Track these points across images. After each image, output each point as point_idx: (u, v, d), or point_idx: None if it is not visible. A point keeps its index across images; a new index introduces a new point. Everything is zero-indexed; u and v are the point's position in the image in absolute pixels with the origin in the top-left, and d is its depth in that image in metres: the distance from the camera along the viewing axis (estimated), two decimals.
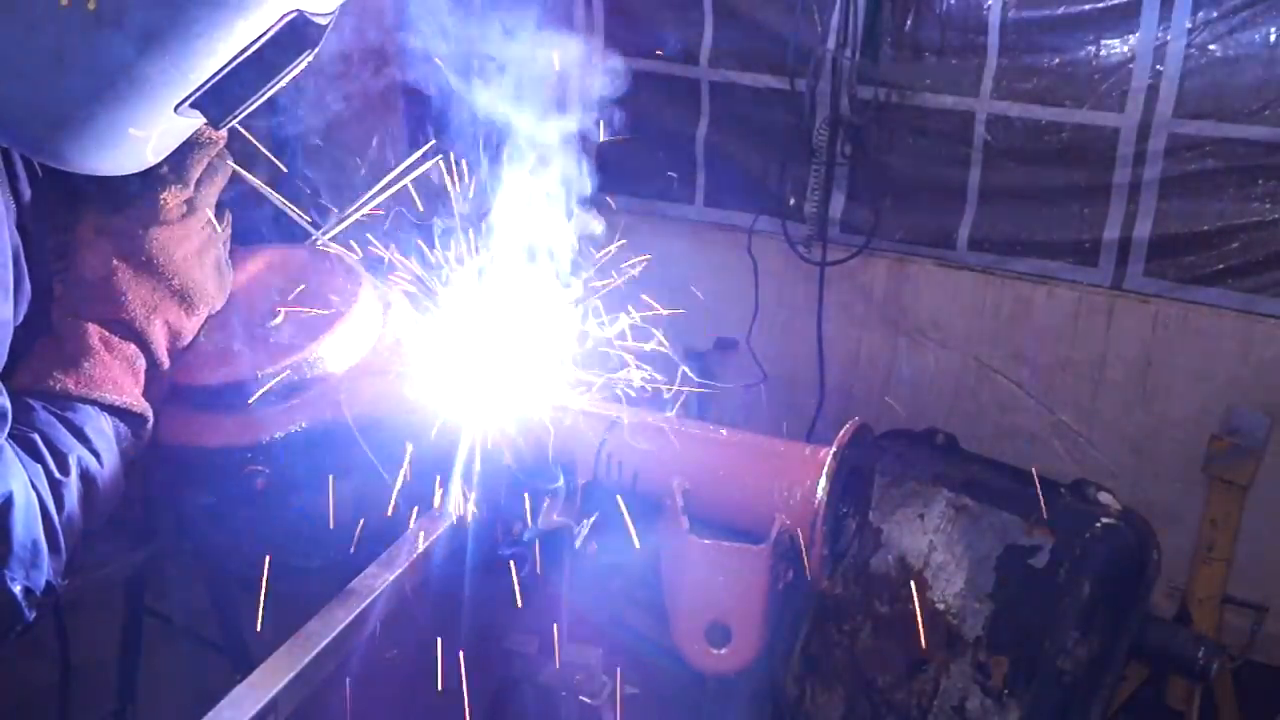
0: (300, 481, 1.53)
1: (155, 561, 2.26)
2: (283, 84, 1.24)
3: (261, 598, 1.45)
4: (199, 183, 1.37)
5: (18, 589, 1.20)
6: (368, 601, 1.42)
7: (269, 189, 1.40)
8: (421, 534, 1.54)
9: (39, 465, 1.24)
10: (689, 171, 4.13)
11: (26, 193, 1.27)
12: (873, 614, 2.74)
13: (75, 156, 1.16)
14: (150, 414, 1.38)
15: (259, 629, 1.45)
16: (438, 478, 1.52)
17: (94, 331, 1.33)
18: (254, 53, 1.16)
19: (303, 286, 1.56)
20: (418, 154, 1.64)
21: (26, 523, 1.20)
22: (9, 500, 1.17)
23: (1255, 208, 3.36)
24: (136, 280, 1.35)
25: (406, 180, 1.63)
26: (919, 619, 2.64)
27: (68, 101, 1.11)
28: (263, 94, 1.24)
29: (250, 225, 1.60)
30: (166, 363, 1.41)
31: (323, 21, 1.22)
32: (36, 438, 1.25)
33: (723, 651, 1.37)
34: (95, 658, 2.39)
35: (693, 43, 3.95)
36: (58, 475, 1.25)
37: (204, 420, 1.47)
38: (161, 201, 1.33)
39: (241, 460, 1.47)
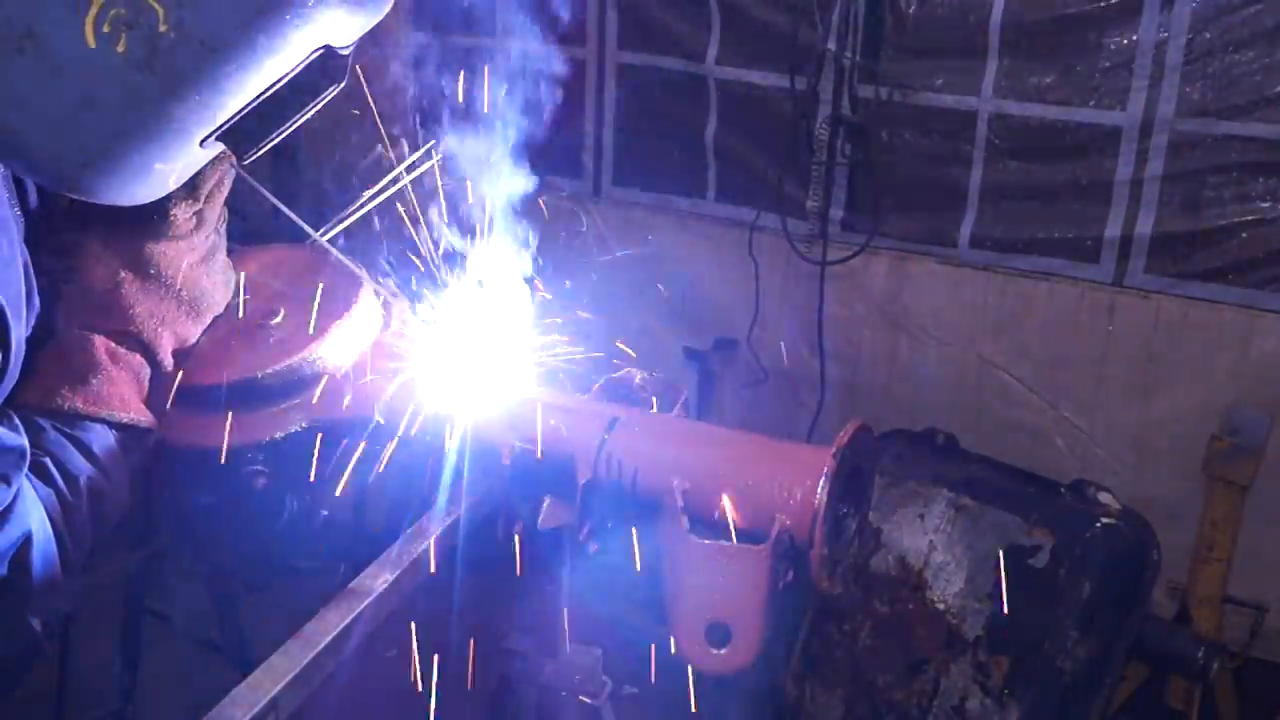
0: (300, 481, 1.52)
1: (155, 561, 2.26)
2: (309, 117, 1.25)
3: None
4: (208, 195, 1.37)
5: (37, 624, 1.20)
6: (368, 601, 1.42)
7: (268, 192, 1.39)
8: (421, 534, 1.54)
9: (51, 490, 1.24)
10: (701, 166, 4.14)
11: (34, 203, 1.27)
12: (873, 614, 2.74)
13: (101, 191, 1.16)
14: (155, 425, 1.38)
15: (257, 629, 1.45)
16: (438, 477, 1.52)
17: (100, 345, 1.32)
18: (281, 88, 1.17)
19: (302, 286, 1.55)
20: (417, 154, 1.64)
21: (45, 558, 1.20)
22: (28, 538, 1.17)
23: (1256, 205, 3.36)
24: (144, 292, 1.35)
25: (406, 180, 1.63)
26: (919, 619, 2.65)
27: (96, 142, 1.11)
28: (289, 127, 1.24)
29: (250, 225, 1.60)
30: (171, 369, 1.41)
31: (345, 53, 1.22)
32: (48, 461, 1.25)
33: (723, 651, 1.36)
34: (95, 658, 2.39)
35: (700, 40, 3.96)
36: (70, 499, 1.25)
37: (204, 420, 1.47)
38: (172, 217, 1.33)
39: (241, 460, 1.47)
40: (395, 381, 1.52)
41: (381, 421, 1.49)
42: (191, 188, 1.32)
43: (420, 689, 1.51)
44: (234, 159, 1.31)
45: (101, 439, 1.31)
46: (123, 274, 1.33)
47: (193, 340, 1.44)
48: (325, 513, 1.55)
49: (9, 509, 1.15)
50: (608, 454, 1.43)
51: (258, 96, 1.16)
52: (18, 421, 1.21)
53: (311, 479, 1.52)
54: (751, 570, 1.33)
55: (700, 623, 1.36)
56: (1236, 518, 3.22)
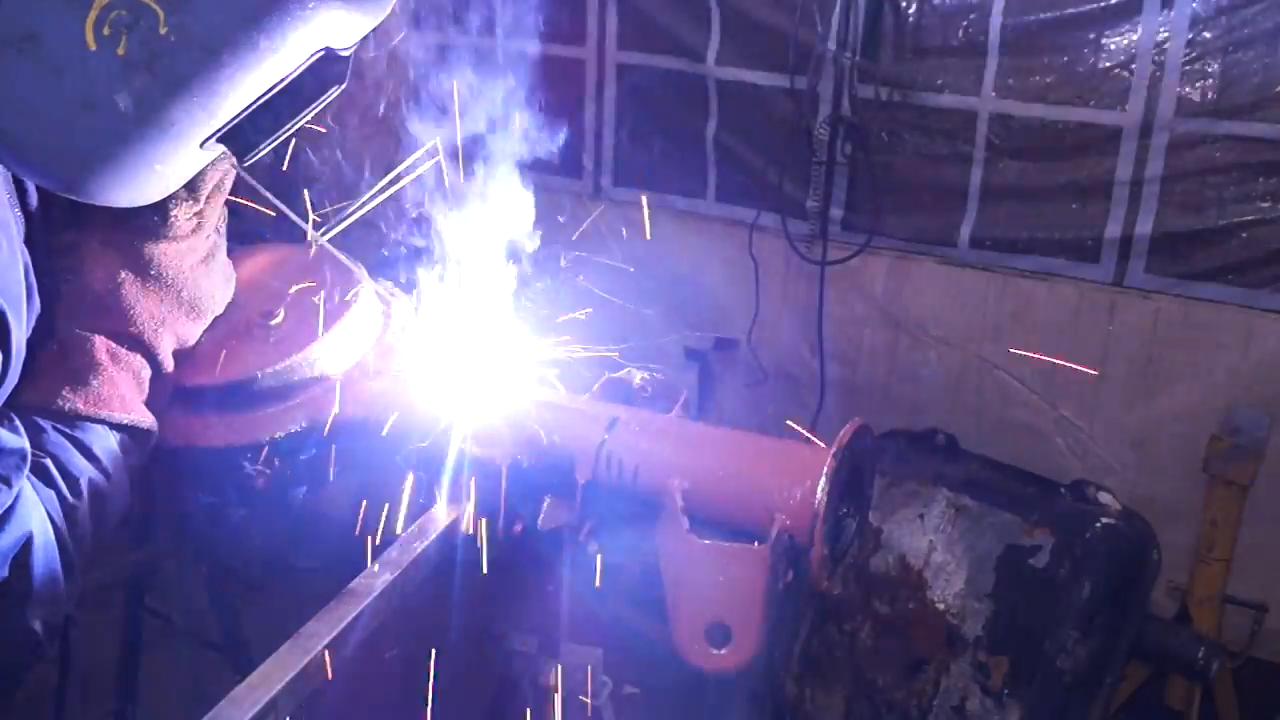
0: (300, 481, 1.52)
1: (155, 561, 2.26)
2: (308, 118, 1.25)
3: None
4: (209, 196, 1.37)
5: (39, 626, 1.20)
6: (368, 601, 1.42)
7: (268, 192, 1.39)
8: (421, 534, 1.54)
9: (52, 491, 1.23)
10: (701, 167, 4.14)
11: (34, 204, 1.27)
12: (873, 614, 2.75)
13: (100, 193, 1.16)
14: (156, 426, 1.38)
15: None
16: (438, 477, 1.52)
17: (101, 345, 1.32)
18: (281, 90, 1.17)
19: (302, 286, 1.55)
20: (418, 153, 1.64)
21: (46, 560, 1.20)
22: (29, 540, 1.17)
23: (1256, 205, 3.36)
24: (144, 293, 1.35)
25: (407, 180, 1.63)
26: (919, 619, 2.65)
27: (95, 144, 1.12)
28: (288, 129, 1.25)
29: (250, 225, 1.60)
30: (171, 369, 1.41)
31: (346, 55, 1.22)
32: (49, 462, 1.25)
33: (723, 651, 1.36)
34: (95, 658, 2.39)
35: (700, 40, 3.96)
36: (71, 500, 1.25)
37: (204, 420, 1.47)
38: (172, 218, 1.33)
39: (241, 460, 1.47)
40: (395, 381, 1.52)
41: (382, 421, 1.49)
42: (191, 189, 1.32)
43: (420, 688, 1.52)
44: (234, 160, 1.31)
45: (102, 440, 1.31)
46: (123, 275, 1.33)
47: (193, 340, 1.44)
48: (325, 513, 1.55)
49: (10, 511, 1.15)
50: (608, 454, 1.43)
51: (258, 98, 1.16)
52: (18, 423, 1.21)
53: (312, 479, 1.52)
54: (751, 570, 1.33)
55: (700, 623, 1.36)
56: (1236, 518, 3.22)
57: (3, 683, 1.27)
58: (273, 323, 1.50)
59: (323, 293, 1.55)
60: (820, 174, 3.85)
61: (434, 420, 1.49)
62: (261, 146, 1.25)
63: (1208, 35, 3.27)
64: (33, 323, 1.27)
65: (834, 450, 1.34)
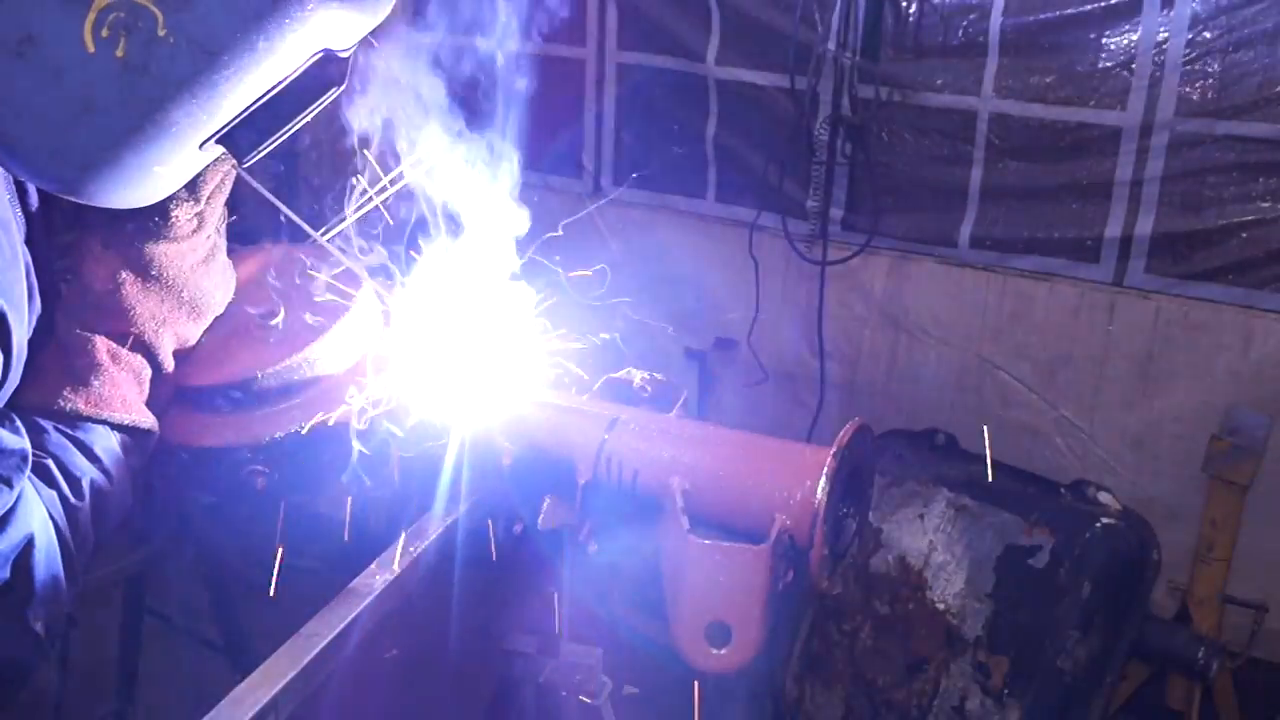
0: (300, 481, 1.53)
1: (155, 561, 2.26)
2: (308, 119, 1.25)
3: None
4: (209, 196, 1.37)
5: (40, 627, 1.20)
6: (368, 601, 1.42)
7: (268, 192, 1.39)
8: (421, 534, 1.54)
9: (54, 491, 1.24)
10: (701, 167, 4.14)
11: (34, 205, 1.28)
12: (873, 614, 2.75)
13: (99, 194, 1.17)
14: (156, 427, 1.38)
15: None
16: (440, 477, 1.52)
17: (102, 345, 1.32)
18: (280, 91, 1.17)
19: (302, 286, 1.55)
20: (419, 153, 1.64)
21: (47, 561, 1.20)
22: (30, 541, 1.17)
23: (1256, 205, 3.36)
24: (145, 293, 1.35)
25: (407, 179, 1.63)
26: (919, 619, 2.65)
27: (94, 146, 1.12)
28: (288, 129, 1.25)
29: (250, 225, 1.60)
30: (171, 369, 1.41)
31: (345, 55, 1.22)
32: (50, 463, 1.25)
33: (723, 651, 1.36)
34: (95, 658, 2.40)
35: (700, 40, 3.96)
36: (73, 501, 1.25)
37: (204, 420, 1.47)
38: (173, 218, 1.33)
39: (241, 460, 1.47)
40: (395, 381, 1.52)
41: (382, 422, 1.49)
42: (192, 189, 1.32)
43: (420, 688, 1.52)
44: (234, 161, 1.31)
45: (103, 440, 1.31)
46: (123, 275, 1.33)
47: (193, 341, 1.44)
48: (325, 513, 1.55)
49: (11, 512, 1.15)
50: (608, 454, 1.43)
51: (257, 99, 1.16)
52: (19, 424, 1.21)
53: (312, 479, 1.52)
54: (751, 570, 1.33)
55: (700, 623, 1.36)
56: (1236, 518, 3.22)
57: (5, 683, 1.27)
58: (273, 323, 1.50)
59: (323, 293, 1.55)
60: (820, 174, 3.85)
61: (434, 420, 1.49)
62: (261, 147, 1.25)
63: (1208, 35, 3.27)
64: (33, 323, 1.27)
65: (834, 450, 1.34)
